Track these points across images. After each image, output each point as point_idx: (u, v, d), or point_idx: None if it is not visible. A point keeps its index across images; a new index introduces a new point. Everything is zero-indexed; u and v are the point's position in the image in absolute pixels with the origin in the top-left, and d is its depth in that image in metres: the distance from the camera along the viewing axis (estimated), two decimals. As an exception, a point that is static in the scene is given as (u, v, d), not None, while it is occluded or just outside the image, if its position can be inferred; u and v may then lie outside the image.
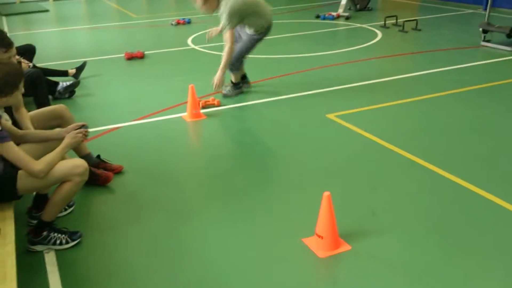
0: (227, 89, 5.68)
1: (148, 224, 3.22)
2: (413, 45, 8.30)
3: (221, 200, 3.50)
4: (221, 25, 5.35)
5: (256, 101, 5.51)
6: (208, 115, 5.12)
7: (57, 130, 3.22)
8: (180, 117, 5.11)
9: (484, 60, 7.07)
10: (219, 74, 5.42)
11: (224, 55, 5.40)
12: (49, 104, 4.79)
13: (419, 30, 9.12)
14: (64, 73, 6.34)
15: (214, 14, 5.45)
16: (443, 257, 2.79)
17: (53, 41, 9.50)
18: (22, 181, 2.78)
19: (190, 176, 3.91)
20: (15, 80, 2.86)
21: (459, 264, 2.73)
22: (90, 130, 3.17)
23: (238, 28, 5.52)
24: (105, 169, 3.85)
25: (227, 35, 5.37)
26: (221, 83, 5.48)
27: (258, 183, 3.74)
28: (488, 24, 8.00)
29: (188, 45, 8.42)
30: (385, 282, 2.61)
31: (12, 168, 2.80)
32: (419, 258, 2.80)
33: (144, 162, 4.14)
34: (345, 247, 2.87)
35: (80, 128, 3.12)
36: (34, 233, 2.93)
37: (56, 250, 2.93)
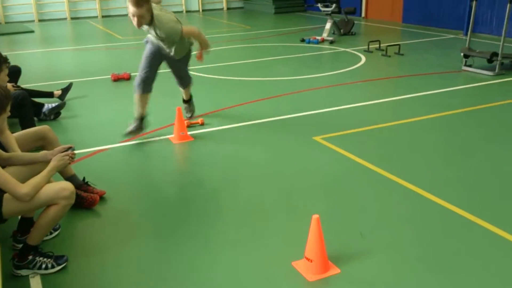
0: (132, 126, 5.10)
1: (134, 248, 3.18)
2: (396, 69, 8.43)
3: (209, 224, 3.48)
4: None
5: (242, 123, 5.53)
6: (194, 137, 5.12)
7: (43, 152, 3.19)
8: (167, 138, 5.11)
9: (466, 84, 7.20)
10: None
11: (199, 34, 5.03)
12: (34, 126, 4.75)
13: (402, 54, 9.28)
14: (50, 94, 6.32)
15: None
16: (431, 279, 2.80)
17: (38, 62, 9.47)
18: (8, 205, 2.74)
19: (177, 200, 3.89)
20: (3, 102, 2.84)
21: (447, 286, 2.74)
22: (75, 152, 3.14)
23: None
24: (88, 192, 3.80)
25: (188, 28, 4.90)
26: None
27: (246, 206, 3.73)
28: (469, 49, 8.17)
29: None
30: (374, 305, 2.61)
31: (-3, 191, 2.76)
32: (408, 281, 2.80)
33: (130, 185, 4.11)
34: (335, 270, 2.87)
35: (66, 150, 3.10)
36: (19, 257, 2.88)
37: (41, 275, 2.88)
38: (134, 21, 4.51)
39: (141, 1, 4.38)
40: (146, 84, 5.04)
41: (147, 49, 5.03)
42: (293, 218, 3.51)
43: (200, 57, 5.12)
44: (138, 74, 5.05)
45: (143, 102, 5.11)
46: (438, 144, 4.87)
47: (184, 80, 5.48)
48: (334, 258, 2.97)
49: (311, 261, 2.83)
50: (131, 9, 4.44)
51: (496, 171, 4.23)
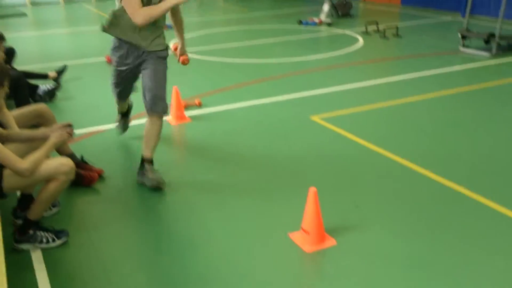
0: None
1: (134, 223, 3.22)
2: (394, 50, 8.43)
3: (208, 198, 3.52)
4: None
5: (240, 104, 5.55)
6: (192, 118, 5.13)
7: (42, 129, 3.21)
8: (165, 120, 5.11)
9: (463, 65, 7.22)
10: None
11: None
12: (30, 106, 4.76)
13: (400, 36, 9.27)
14: (45, 76, 6.29)
15: None
16: (425, 248, 2.85)
17: (31, 45, 9.43)
18: (8, 180, 2.76)
19: (174, 178, 3.91)
20: (1, 77, 2.85)
21: (441, 255, 2.79)
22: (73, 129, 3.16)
23: None
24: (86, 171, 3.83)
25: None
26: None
27: (244, 182, 3.77)
28: (467, 30, 8.17)
29: (169, 48, 8.42)
30: (369, 274, 2.66)
31: (-3, 167, 2.78)
32: (402, 250, 2.85)
33: (128, 165, 4.14)
34: (331, 242, 2.92)
35: (65, 127, 3.11)
36: (20, 231, 2.91)
37: (42, 249, 2.92)
38: None
39: None
40: (123, 98, 4.27)
41: (115, 74, 3.88)
42: (290, 193, 3.55)
43: (184, 58, 4.18)
44: (111, 88, 4.07)
45: (121, 105, 4.46)
46: (434, 123, 4.90)
47: (159, 98, 3.68)
48: (330, 230, 3.01)
49: (308, 233, 2.88)
50: None
51: (490, 148, 4.28)
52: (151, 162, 3.74)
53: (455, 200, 3.42)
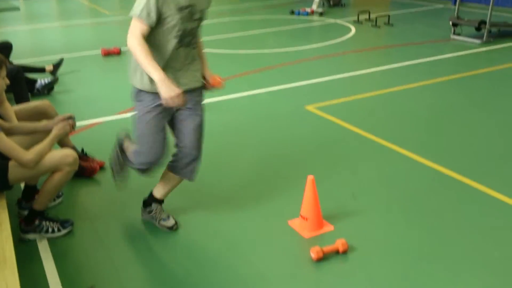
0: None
1: (137, 213, 3.28)
2: (386, 39, 8.51)
3: (208, 187, 3.59)
4: None
5: (235, 95, 5.61)
6: (189, 108, 5.19)
7: (44, 122, 3.26)
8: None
9: (454, 52, 7.32)
10: None
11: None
12: (28, 100, 4.80)
13: (391, 25, 9.35)
14: (41, 70, 6.33)
15: None
16: (421, 235, 2.95)
17: (26, 39, 9.41)
18: (13, 171, 2.83)
19: (175, 167, 3.98)
20: None
21: (435, 240, 2.89)
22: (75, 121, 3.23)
23: None
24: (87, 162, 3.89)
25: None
26: None
27: (243, 170, 3.85)
28: (458, 18, 8.25)
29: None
30: (365, 258, 2.76)
31: (2, 159, 2.85)
32: (397, 236, 2.95)
33: (128, 154, 4.20)
34: (328, 228, 3.01)
35: (67, 119, 3.17)
36: (26, 222, 2.98)
37: (48, 239, 2.99)
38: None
39: None
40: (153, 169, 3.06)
41: (148, 120, 2.80)
42: (288, 181, 3.64)
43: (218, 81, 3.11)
44: (138, 160, 2.96)
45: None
46: (427, 111, 5.00)
47: (197, 153, 2.96)
48: (328, 216, 3.11)
49: (306, 219, 2.97)
50: None
51: (481, 134, 4.39)
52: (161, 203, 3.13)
53: (450, 186, 3.52)
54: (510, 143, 4.20)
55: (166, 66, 2.69)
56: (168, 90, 2.53)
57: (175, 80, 2.70)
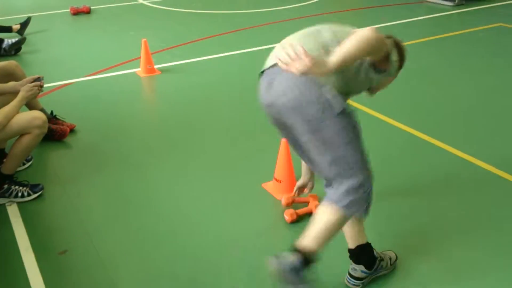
0: None
1: (108, 177, 3.26)
2: (362, 0, 8.44)
3: (181, 152, 3.57)
4: None
5: (210, 56, 5.53)
6: (162, 70, 5.11)
7: (12, 83, 3.17)
8: (134, 72, 5.08)
9: (428, 14, 7.32)
10: None
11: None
12: (-5, 60, 4.64)
13: (366, -15, 9.26)
14: (8, 29, 6.13)
15: None
16: (391, 195, 3.00)
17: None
18: (-21, 135, 2.76)
19: (147, 130, 3.94)
20: None
21: (408, 201, 2.95)
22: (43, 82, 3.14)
23: None
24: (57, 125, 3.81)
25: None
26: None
27: (215, 134, 3.83)
28: (432, -21, 8.22)
29: (136, 0, 8.23)
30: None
31: (-32, 122, 2.76)
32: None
33: (99, 118, 4.13)
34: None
35: (35, 81, 3.09)
36: (-6, 186, 2.93)
37: (18, 203, 2.94)
38: None
39: None
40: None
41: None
42: (261, 145, 3.63)
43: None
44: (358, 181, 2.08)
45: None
46: (402, 73, 5.00)
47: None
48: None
49: (280, 182, 2.99)
50: None
51: (455, 96, 4.44)
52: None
53: (424, 149, 3.55)
54: (477, 103, 4.26)
55: None
56: None
57: None
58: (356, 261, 2.26)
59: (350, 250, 2.27)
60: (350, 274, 2.28)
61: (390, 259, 2.38)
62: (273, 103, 2.12)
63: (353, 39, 1.88)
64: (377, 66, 2.11)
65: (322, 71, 1.81)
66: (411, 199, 2.97)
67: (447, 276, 2.37)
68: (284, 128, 2.22)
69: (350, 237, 2.25)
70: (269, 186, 3.07)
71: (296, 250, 2.01)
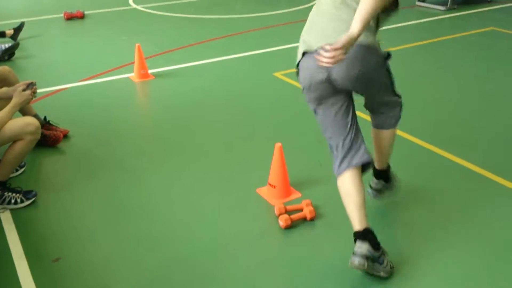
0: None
1: (102, 182, 3.25)
2: (353, 5, 8.47)
3: (175, 157, 3.57)
4: None
5: (204, 61, 5.54)
6: (156, 75, 5.11)
7: (5, 89, 3.17)
8: (127, 77, 5.08)
9: (420, 19, 7.36)
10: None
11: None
12: (-12, 66, 4.62)
13: (359, -10, 9.30)
14: (1, 34, 6.11)
15: None
16: (385, 200, 3.01)
17: (-17, 1, 9.01)
18: (-28, 141, 2.75)
19: (141, 135, 3.94)
20: None
21: (402, 206, 2.96)
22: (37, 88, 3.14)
23: None
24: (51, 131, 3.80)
25: None
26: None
27: (209, 139, 3.83)
28: (423, -16, 8.27)
29: (129, 5, 8.23)
30: (332, 222, 2.81)
31: (-39, 129, 2.75)
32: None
33: (93, 123, 4.13)
34: (296, 195, 3.05)
35: (28, 86, 3.08)
36: (-13, 193, 2.91)
37: (11, 210, 2.93)
38: None
39: None
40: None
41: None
42: (256, 149, 3.64)
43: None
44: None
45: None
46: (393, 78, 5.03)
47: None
48: (295, 184, 3.14)
49: (274, 187, 2.99)
50: None
51: (446, 100, 4.47)
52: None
53: (418, 153, 3.57)
54: (469, 106, 4.29)
55: None
56: None
57: None
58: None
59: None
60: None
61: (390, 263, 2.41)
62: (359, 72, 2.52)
63: (366, 1, 2.19)
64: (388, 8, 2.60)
65: (352, 43, 2.15)
66: (409, 206, 2.98)
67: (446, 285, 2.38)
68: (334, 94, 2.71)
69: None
70: (263, 191, 3.08)
71: (379, 172, 2.87)
